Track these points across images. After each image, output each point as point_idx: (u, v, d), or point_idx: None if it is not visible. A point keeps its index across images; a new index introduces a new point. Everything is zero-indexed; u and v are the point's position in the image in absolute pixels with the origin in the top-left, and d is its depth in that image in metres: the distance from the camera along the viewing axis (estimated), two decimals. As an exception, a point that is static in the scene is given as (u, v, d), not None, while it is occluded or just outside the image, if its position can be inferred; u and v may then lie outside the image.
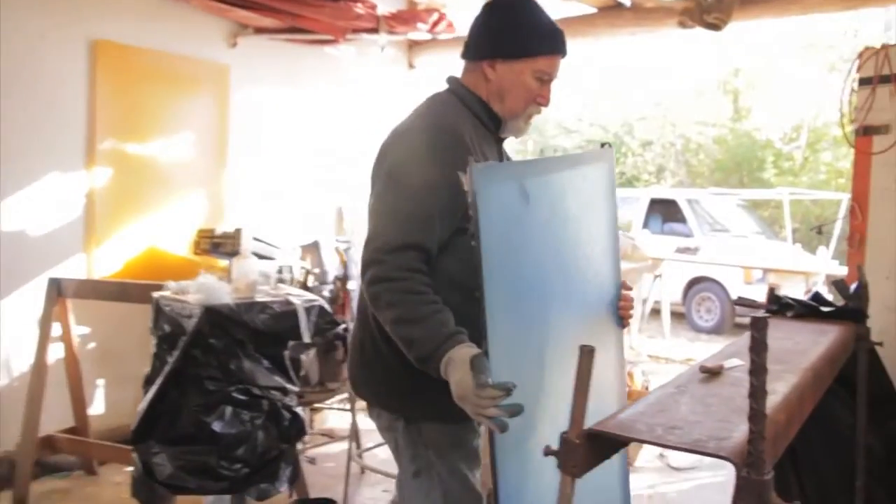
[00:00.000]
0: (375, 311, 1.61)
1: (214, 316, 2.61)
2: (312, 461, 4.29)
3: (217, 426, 2.63)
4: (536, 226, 1.67)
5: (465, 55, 1.85)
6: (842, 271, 8.35)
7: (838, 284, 2.68)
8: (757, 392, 1.16)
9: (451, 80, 1.87)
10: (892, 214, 3.03)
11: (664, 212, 10.79)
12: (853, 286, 2.66)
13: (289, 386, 2.87)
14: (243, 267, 2.82)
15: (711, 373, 1.75)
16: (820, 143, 13.54)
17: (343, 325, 3.04)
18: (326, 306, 2.86)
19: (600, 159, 2.01)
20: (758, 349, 1.17)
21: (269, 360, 2.81)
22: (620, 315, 2.06)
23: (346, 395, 4.04)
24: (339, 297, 3.79)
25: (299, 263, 4.43)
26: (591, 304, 1.96)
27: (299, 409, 2.88)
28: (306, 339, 2.74)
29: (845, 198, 9.83)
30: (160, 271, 3.90)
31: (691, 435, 1.31)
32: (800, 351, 2.08)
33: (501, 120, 1.81)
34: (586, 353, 1.34)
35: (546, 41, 1.76)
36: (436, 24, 5.89)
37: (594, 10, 5.15)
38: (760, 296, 7.72)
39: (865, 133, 3.11)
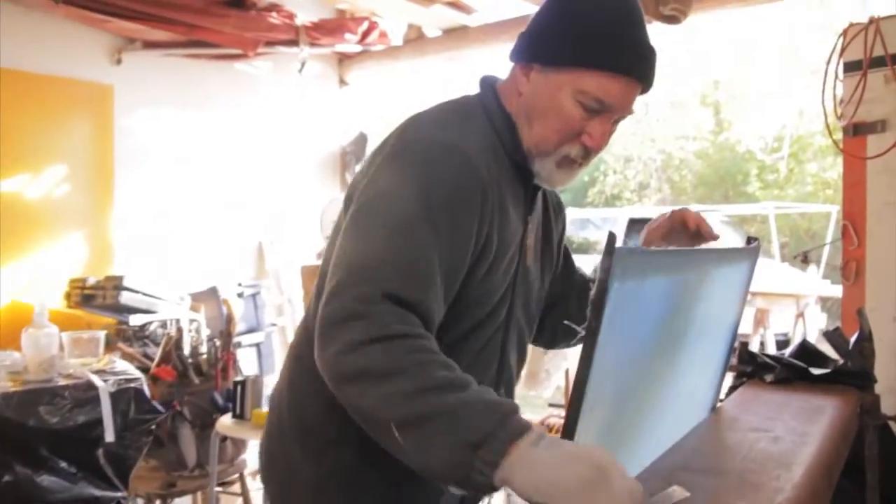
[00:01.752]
0: (360, 390, 0.96)
1: (-33, 414, 1.89)
2: (206, 558, 3.53)
3: (-17, 567, 1.89)
4: (658, 336, 1.25)
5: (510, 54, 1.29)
6: (834, 291, 7.70)
7: (832, 336, 1.99)
8: None
9: (485, 82, 1.31)
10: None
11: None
12: (853, 338, 1.95)
13: (106, 494, 2.14)
14: (38, 339, 2.10)
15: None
16: (805, 152, 12.95)
17: (167, 414, 2.31)
18: (145, 389, 2.14)
19: (744, 258, 1.56)
20: None
21: (74, 463, 2.08)
22: None
23: (235, 476, 3.30)
24: (217, 360, 3.06)
25: (189, 316, 3.71)
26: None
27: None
28: (109, 436, 2.02)
29: (834, 210, 9.26)
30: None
31: None
32: (782, 459, 1.36)
33: (527, 154, 1.24)
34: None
35: (603, 51, 1.15)
36: (366, 33, 5.25)
37: (534, 9, 4.48)
38: (747, 319, 7.06)
39: (856, 132, 2.42)
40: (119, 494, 2.21)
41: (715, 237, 1.28)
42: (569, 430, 1.01)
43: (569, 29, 1.16)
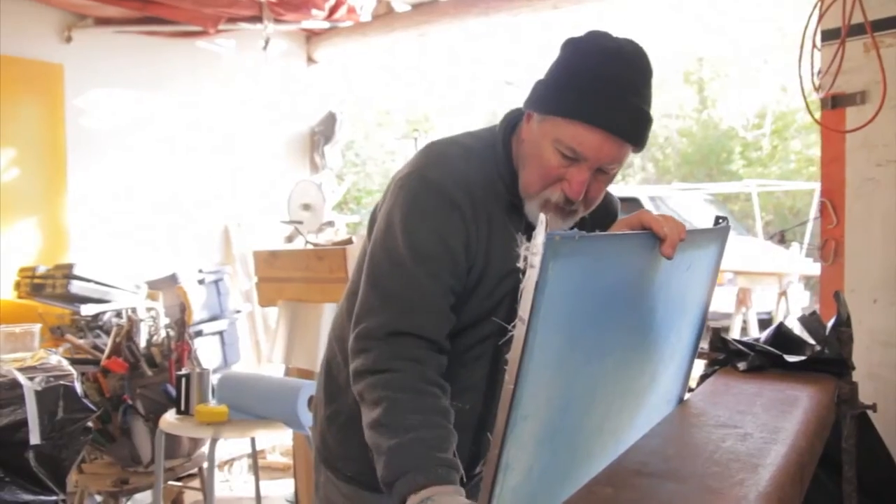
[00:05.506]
0: (361, 405, 1.24)
1: None
2: (169, 555, 3.41)
3: None
4: (610, 328, 1.16)
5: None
6: (817, 270, 7.61)
7: (808, 321, 1.87)
8: None
9: (507, 119, 1.39)
10: (877, 214, 2.21)
11: (627, 212, 10.01)
12: (830, 322, 1.84)
13: (39, 498, 2.00)
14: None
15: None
16: (788, 129, 12.85)
17: (99, 411, 2.17)
18: (77, 387, 1.99)
19: (713, 240, 1.48)
20: None
21: (2, 467, 1.94)
22: None
23: (194, 472, 3.17)
24: (171, 351, 2.91)
25: (146, 305, 3.56)
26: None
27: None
28: (34, 438, 1.88)
29: (817, 187, 9.18)
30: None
31: None
32: (748, 460, 1.24)
33: (521, 196, 1.33)
34: None
35: (581, 103, 1.21)
36: (334, 9, 5.05)
37: (508, -19, 4.32)
38: (730, 299, 6.95)
39: (835, 105, 2.29)
40: (54, 498, 2.06)
41: (668, 255, 1.18)
42: (497, 444, 0.88)
43: (559, 82, 1.24)
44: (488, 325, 1.31)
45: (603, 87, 1.20)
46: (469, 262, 1.27)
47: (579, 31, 1.31)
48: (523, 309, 0.86)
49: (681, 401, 1.62)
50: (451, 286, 1.25)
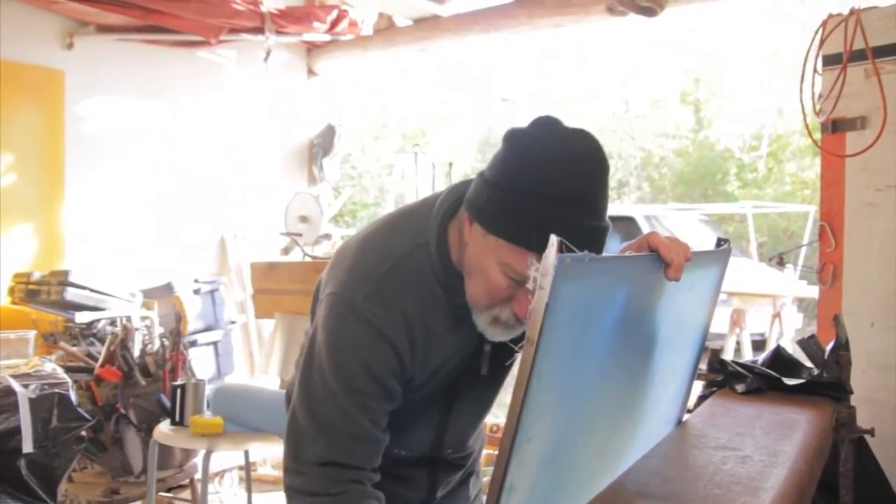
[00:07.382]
0: None
1: None
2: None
3: None
4: (612, 349, 1.13)
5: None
6: (810, 292, 7.63)
7: (807, 344, 1.87)
8: None
9: (442, 213, 1.24)
10: (876, 238, 2.22)
11: (623, 230, 10.09)
12: (829, 346, 1.84)
13: (29, 510, 1.96)
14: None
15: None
16: (783, 152, 12.93)
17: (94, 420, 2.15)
18: (72, 396, 1.98)
19: (714, 262, 1.46)
20: None
21: (-9, 475, 1.91)
22: None
23: (185, 483, 3.14)
24: (165, 361, 2.89)
25: (140, 314, 3.54)
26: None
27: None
28: (27, 446, 1.86)
29: (812, 210, 9.21)
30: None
31: None
32: (750, 483, 1.23)
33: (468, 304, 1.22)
34: None
35: (526, 229, 1.08)
36: (335, 22, 5.08)
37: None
38: (723, 319, 6.96)
39: (835, 129, 2.30)
40: (44, 509, 2.04)
41: (674, 278, 1.13)
42: (501, 466, 0.87)
43: (505, 198, 1.09)
44: (435, 391, 1.32)
45: (554, 211, 1.07)
46: (405, 378, 1.23)
47: (524, 121, 1.15)
48: (531, 330, 0.85)
49: (679, 422, 1.62)
50: (385, 410, 1.23)
